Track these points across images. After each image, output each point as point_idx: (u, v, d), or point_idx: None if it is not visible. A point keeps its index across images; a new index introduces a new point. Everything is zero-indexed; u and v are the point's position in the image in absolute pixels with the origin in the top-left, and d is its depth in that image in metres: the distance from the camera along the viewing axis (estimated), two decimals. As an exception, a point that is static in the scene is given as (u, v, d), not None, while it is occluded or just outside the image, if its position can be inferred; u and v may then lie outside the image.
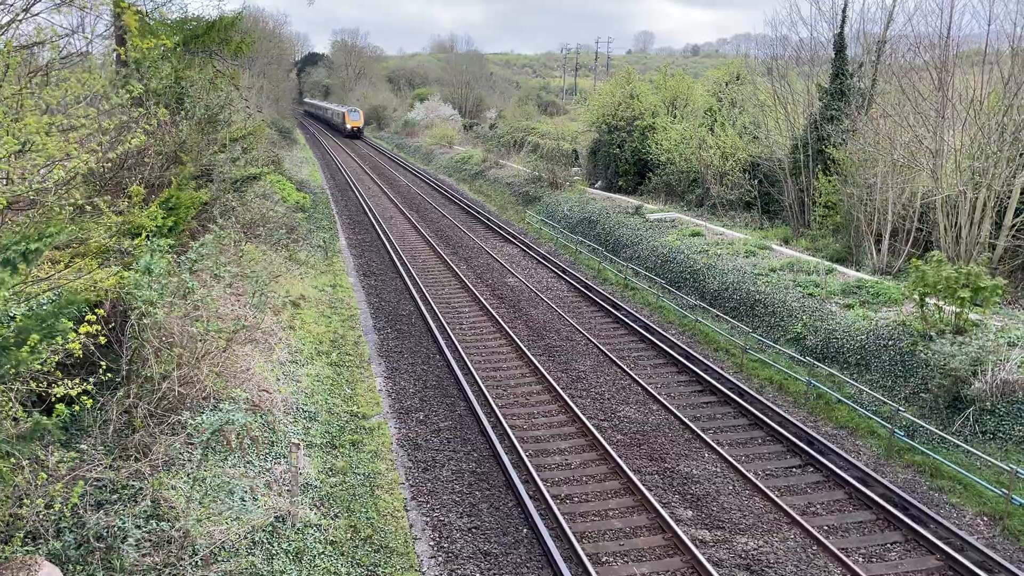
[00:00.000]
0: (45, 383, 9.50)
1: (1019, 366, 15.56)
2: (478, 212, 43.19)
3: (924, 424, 15.80)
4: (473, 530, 12.53)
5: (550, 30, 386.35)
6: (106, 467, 10.46)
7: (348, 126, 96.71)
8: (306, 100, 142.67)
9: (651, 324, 23.23)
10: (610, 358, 20.44)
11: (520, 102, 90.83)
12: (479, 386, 18.10)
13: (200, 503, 10.68)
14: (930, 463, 14.91)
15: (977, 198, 22.78)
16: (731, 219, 34.45)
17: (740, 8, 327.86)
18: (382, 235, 35.55)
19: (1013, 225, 22.72)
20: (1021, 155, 22.16)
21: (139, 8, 21.29)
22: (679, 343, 21.67)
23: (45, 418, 9.82)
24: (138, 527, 9.75)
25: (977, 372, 15.84)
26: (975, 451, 14.65)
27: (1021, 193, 22.59)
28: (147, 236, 13.49)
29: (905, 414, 16.18)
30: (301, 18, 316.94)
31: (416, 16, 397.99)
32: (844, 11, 30.70)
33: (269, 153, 41.37)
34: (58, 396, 9.31)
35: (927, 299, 17.92)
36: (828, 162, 29.33)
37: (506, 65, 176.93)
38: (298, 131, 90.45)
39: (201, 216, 18.98)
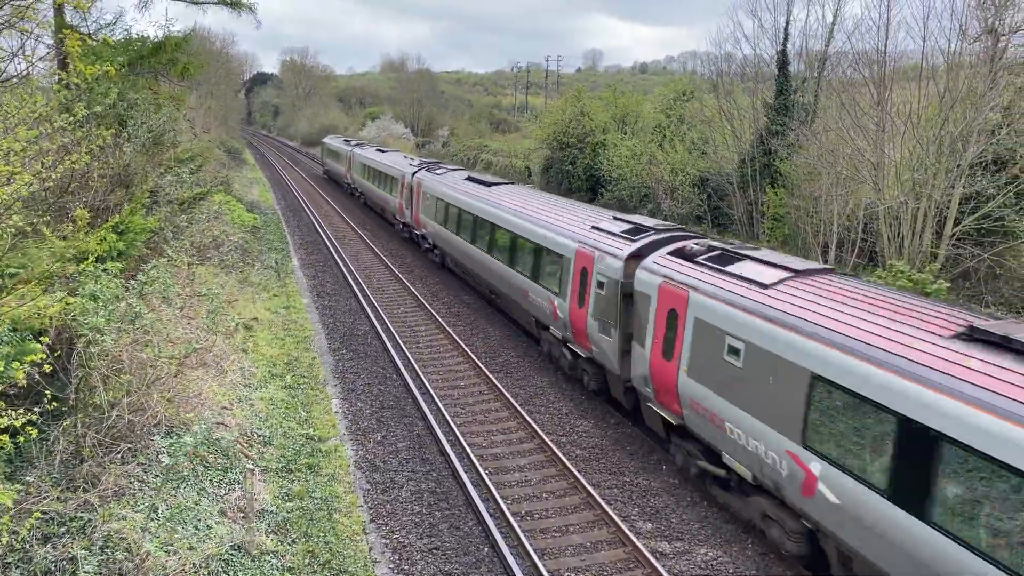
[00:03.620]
0: (-13, 414, 9.20)
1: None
2: (432, 230, 43.06)
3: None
4: (434, 551, 12.42)
5: (500, 48, 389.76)
6: (54, 499, 10.15)
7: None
8: (330, 142, 65.87)
9: (607, 338, 23.33)
10: (568, 374, 20.49)
11: (472, 120, 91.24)
12: (437, 405, 18.00)
13: (154, 533, 10.42)
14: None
15: (918, 208, 23.50)
16: (683, 233, 34.93)
17: (686, 26, 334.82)
18: (336, 255, 35.25)
19: (953, 234, 23.46)
20: (959, 166, 22.94)
21: (81, 30, 20.93)
22: (635, 357, 21.81)
23: (-12, 451, 9.51)
24: (88, 560, 9.47)
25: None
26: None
27: (960, 203, 23.36)
28: (94, 261, 13.18)
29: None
30: (249, 38, 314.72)
31: (364, 35, 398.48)
32: (786, 29, 31.57)
33: (218, 174, 40.81)
34: (1, 427, 9.02)
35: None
36: (775, 175, 30.00)
37: (457, 83, 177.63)
38: (248, 151, 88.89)
39: (150, 240, 18.63)
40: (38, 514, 9.32)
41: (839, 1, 39.41)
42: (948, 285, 18.29)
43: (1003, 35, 22.68)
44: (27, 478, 10.33)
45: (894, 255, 23.70)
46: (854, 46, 28.73)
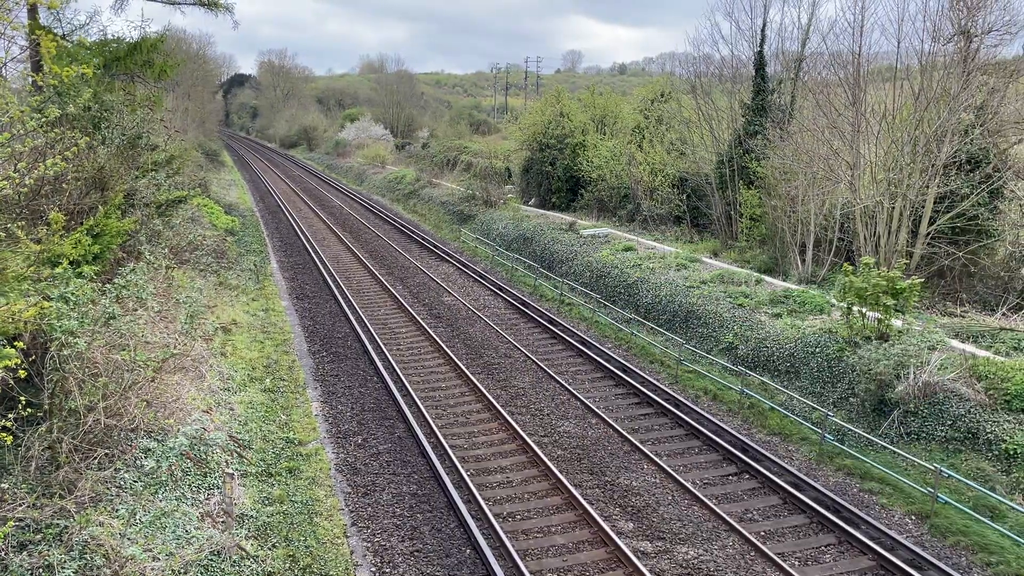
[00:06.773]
0: (-40, 421, 9.06)
1: (938, 368, 16.20)
2: (413, 231, 43.03)
3: (852, 428, 16.30)
4: (415, 553, 12.39)
5: (479, 50, 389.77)
6: (29, 506, 10.01)
7: None
8: None
9: (588, 339, 23.43)
10: (548, 374, 20.53)
11: (452, 121, 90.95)
12: (418, 407, 17.96)
13: (133, 539, 10.31)
14: (860, 466, 15.38)
15: (894, 208, 23.74)
16: (662, 233, 35.09)
17: (665, 27, 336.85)
18: (315, 257, 35.07)
19: (928, 233, 23.73)
20: (933, 166, 23.20)
21: (56, 31, 20.66)
22: (616, 357, 21.91)
23: (-39, 458, 9.36)
24: (67, 565, 9.34)
25: (900, 375, 16.44)
26: (901, 452, 15.17)
27: (935, 202, 23.62)
28: (69, 265, 13.02)
29: (834, 419, 16.65)
30: (226, 39, 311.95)
31: (341, 36, 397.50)
32: (763, 30, 31.72)
33: (195, 176, 40.45)
34: (-25, 434, 8.90)
35: (854, 307, 18.53)
36: (752, 176, 30.16)
37: (437, 85, 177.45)
38: (225, 153, 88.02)
39: (126, 244, 18.42)
40: (13, 521, 9.19)
41: (814, 3, 39.71)
42: (921, 281, 18.45)
43: (976, 36, 22.97)
44: (1, 485, 10.18)
45: (870, 254, 23.92)
46: (829, 47, 28.97)
